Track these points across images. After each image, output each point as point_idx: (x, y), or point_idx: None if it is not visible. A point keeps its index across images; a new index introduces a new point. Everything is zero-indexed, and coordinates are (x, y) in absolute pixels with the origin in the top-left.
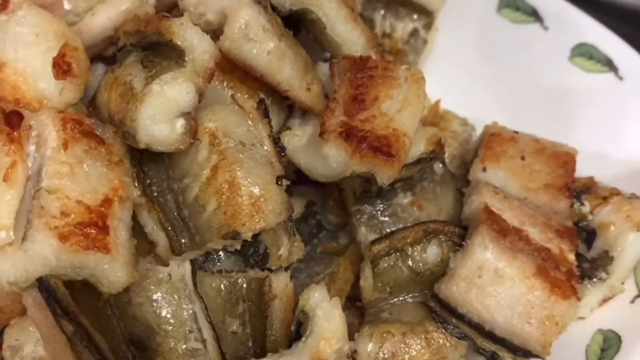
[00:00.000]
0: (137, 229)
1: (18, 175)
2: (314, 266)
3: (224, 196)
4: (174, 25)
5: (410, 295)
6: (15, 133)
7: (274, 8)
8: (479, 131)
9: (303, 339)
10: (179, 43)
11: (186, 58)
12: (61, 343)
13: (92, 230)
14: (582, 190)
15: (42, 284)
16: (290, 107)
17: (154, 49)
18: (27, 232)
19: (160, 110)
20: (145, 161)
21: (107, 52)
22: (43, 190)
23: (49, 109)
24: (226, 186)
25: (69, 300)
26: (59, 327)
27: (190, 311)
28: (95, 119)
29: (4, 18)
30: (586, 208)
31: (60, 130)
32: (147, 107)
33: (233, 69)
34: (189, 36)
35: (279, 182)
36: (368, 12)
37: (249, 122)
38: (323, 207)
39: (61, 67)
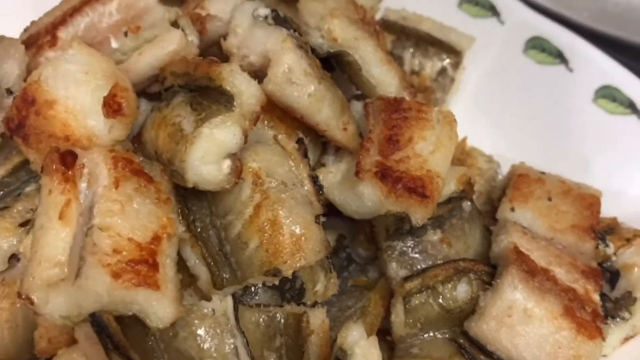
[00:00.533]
0: (179, 262)
1: (72, 213)
2: (345, 300)
3: (266, 234)
4: (224, 72)
5: (440, 331)
6: (69, 172)
7: (312, 50)
8: (504, 168)
9: None
10: (228, 88)
11: (235, 102)
12: None
13: (143, 268)
14: (606, 231)
15: (95, 320)
16: (324, 144)
17: (201, 91)
18: (81, 268)
19: (209, 152)
20: (190, 197)
21: (150, 89)
22: (95, 227)
23: (100, 148)
24: (268, 225)
25: (120, 335)
26: None
27: (232, 345)
28: (142, 156)
29: (52, 55)
30: (610, 250)
31: (111, 168)
32: (196, 149)
33: (273, 108)
34: (238, 82)
35: (318, 221)
36: (398, 50)
37: (290, 162)
38: (353, 241)
39: (112, 106)
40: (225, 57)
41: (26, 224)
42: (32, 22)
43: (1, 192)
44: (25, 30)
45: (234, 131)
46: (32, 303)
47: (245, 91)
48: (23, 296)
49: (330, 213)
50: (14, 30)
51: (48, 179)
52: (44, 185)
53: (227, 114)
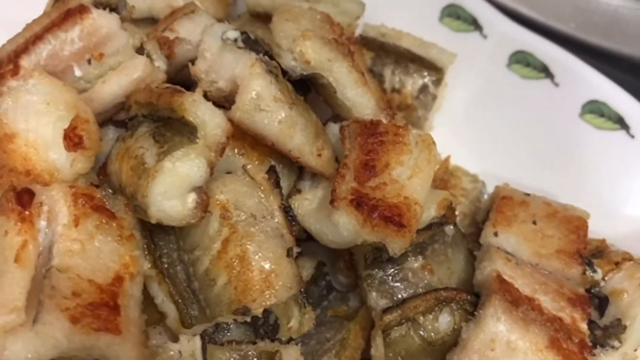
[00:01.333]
0: (147, 299)
1: (29, 255)
2: (324, 331)
3: (234, 271)
4: (186, 102)
5: None
6: (26, 212)
7: (284, 73)
8: (489, 186)
9: None
10: (191, 119)
11: (198, 134)
12: None
13: (103, 311)
14: (594, 254)
15: None
16: (300, 169)
17: (165, 122)
18: (39, 313)
19: (172, 186)
20: (156, 231)
21: (117, 116)
22: (54, 269)
23: (60, 184)
24: (237, 261)
25: None
26: None
27: None
28: (106, 190)
29: (14, 84)
30: (598, 275)
31: (71, 205)
32: (158, 184)
33: (244, 135)
34: (200, 112)
35: (290, 255)
36: (377, 67)
37: (260, 193)
38: (333, 268)
39: (72, 139)
40: (195, 82)
41: None
42: None
43: None
44: None
45: (198, 164)
46: None
47: (210, 122)
48: None
49: (309, 238)
50: None
51: (4, 219)
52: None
53: (191, 146)
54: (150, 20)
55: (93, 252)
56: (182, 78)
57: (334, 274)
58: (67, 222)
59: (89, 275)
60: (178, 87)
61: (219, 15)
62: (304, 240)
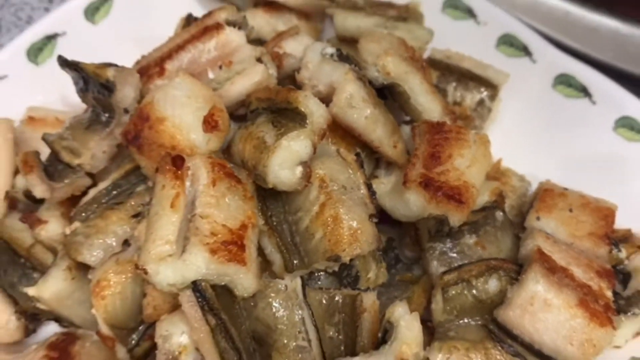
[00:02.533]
0: (258, 250)
1: (180, 203)
2: (393, 291)
3: (329, 227)
4: (300, 97)
5: (473, 318)
6: (179, 172)
7: (369, 82)
8: (534, 187)
9: (388, 343)
10: (302, 110)
11: (307, 121)
12: (206, 333)
13: (233, 247)
14: (620, 239)
15: (195, 286)
16: (377, 160)
17: (281, 112)
18: (186, 246)
19: (286, 159)
20: (268, 197)
21: (237, 112)
22: (197, 215)
23: (201, 155)
24: (331, 220)
25: (215, 300)
26: (205, 320)
27: (300, 316)
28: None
29: (160, 82)
30: (623, 254)
31: (209, 171)
32: (276, 157)
33: (336, 128)
34: (310, 105)
35: (371, 219)
36: (442, 84)
37: (350, 170)
38: (400, 243)
39: (210, 123)
40: (297, 87)
41: (137, 215)
42: (143, 56)
43: (115, 192)
44: (137, 62)
45: (306, 143)
46: (146, 273)
47: (316, 112)
48: (139, 268)
49: (381, 220)
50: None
51: (162, 176)
52: (158, 182)
53: (301, 130)
54: (257, 42)
55: (225, 206)
56: (287, 85)
57: (401, 249)
58: (207, 183)
59: (223, 221)
60: (292, 87)
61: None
62: (377, 220)
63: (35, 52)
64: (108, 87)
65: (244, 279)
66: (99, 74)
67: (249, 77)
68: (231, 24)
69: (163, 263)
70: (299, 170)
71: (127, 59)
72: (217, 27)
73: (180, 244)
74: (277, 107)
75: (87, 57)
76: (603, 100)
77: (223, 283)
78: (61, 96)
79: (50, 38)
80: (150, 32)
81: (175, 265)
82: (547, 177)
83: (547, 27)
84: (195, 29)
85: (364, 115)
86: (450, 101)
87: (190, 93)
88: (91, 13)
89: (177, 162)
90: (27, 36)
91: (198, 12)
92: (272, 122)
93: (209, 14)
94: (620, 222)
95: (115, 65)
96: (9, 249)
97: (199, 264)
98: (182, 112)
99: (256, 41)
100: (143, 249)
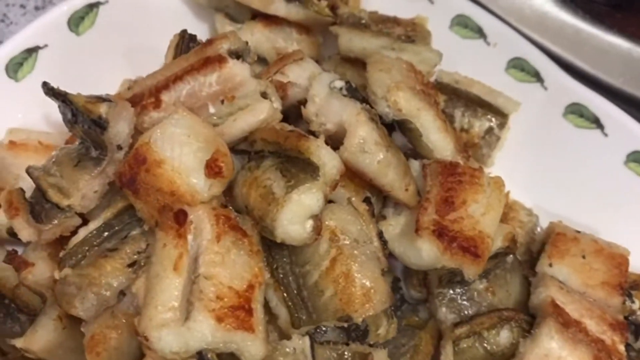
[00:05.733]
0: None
1: (183, 265)
2: (399, 338)
3: (340, 285)
4: (312, 147)
5: None
6: (181, 229)
7: (379, 117)
8: (542, 220)
9: None
10: (315, 161)
11: (319, 172)
12: None
13: (241, 313)
14: (632, 286)
15: (201, 356)
16: (385, 197)
17: (288, 158)
18: (190, 312)
19: (296, 214)
20: (273, 247)
21: (238, 146)
22: (201, 276)
23: (205, 205)
24: (342, 277)
25: None
26: None
27: None
28: (231, 206)
29: (156, 115)
30: (635, 305)
31: (214, 224)
32: (286, 211)
33: (346, 169)
34: (323, 156)
35: (384, 275)
36: (449, 109)
37: (362, 221)
38: (406, 283)
39: (213, 169)
40: (299, 114)
41: (133, 264)
42: (135, 82)
43: (107, 233)
44: (129, 88)
45: (317, 197)
46: (147, 340)
47: (328, 163)
48: (140, 335)
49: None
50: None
51: (163, 234)
52: (159, 239)
53: (313, 182)
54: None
55: (230, 263)
56: (287, 111)
57: (407, 289)
58: (211, 237)
59: (229, 282)
60: (301, 132)
61: (312, 55)
62: None
63: (15, 68)
64: (100, 124)
65: (251, 347)
66: (90, 109)
67: (254, 114)
68: (233, 53)
69: (165, 329)
70: (309, 224)
71: (114, 72)
72: (220, 59)
73: (183, 308)
74: (285, 154)
75: (71, 71)
76: (615, 133)
77: (229, 351)
78: (44, 115)
79: (31, 51)
80: (139, 44)
81: (179, 332)
82: (555, 210)
83: (556, 45)
84: (194, 57)
85: (377, 160)
86: (458, 127)
87: (190, 131)
88: (75, 23)
89: (180, 217)
90: (5, 50)
91: (190, 23)
92: (280, 169)
93: (209, 42)
94: (631, 260)
95: (109, 100)
96: None
97: (204, 332)
98: (181, 153)
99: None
100: (143, 315)
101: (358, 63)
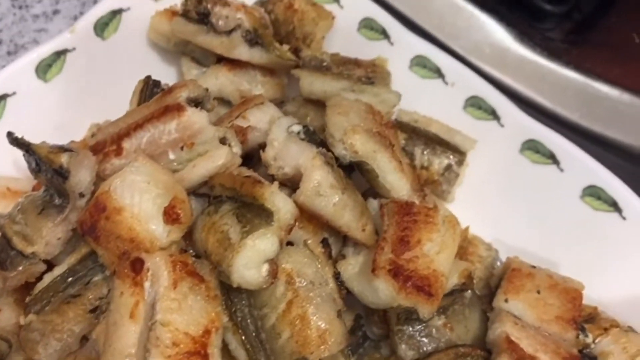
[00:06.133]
0: (222, 346)
1: (140, 312)
2: None
3: (296, 328)
4: (266, 193)
5: None
6: (138, 277)
7: (336, 158)
8: (501, 253)
9: None
10: (269, 207)
11: (274, 218)
12: None
13: (197, 359)
14: (586, 319)
15: None
16: (344, 237)
17: (245, 205)
18: (147, 359)
19: (251, 259)
20: (231, 291)
21: (199, 190)
22: (158, 323)
23: (161, 252)
24: (299, 319)
25: None
26: None
27: None
28: (192, 249)
29: (117, 162)
30: (589, 339)
31: (171, 271)
32: (242, 257)
33: (303, 211)
34: (277, 201)
35: (340, 315)
36: (409, 147)
37: (318, 264)
38: (368, 320)
39: (171, 216)
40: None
41: (95, 310)
42: (99, 129)
43: (71, 279)
44: (93, 135)
45: (272, 242)
46: None
47: (283, 208)
48: None
49: (348, 293)
50: None
51: (120, 282)
52: (116, 288)
53: (267, 228)
54: (220, 101)
55: (187, 309)
56: (249, 155)
57: (368, 326)
58: (168, 284)
59: (185, 328)
60: (258, 177)
61: (276, 96)
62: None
63: None
64: (61, 174)
65: None
66: (51, 159)
67: (212, 160)
68: (192, 101)
69: None
70: (265, 268)
71: (83, 117)
72: (179, 108)
73: (140, 355)
74: (241, 199)
75: (39, 118)
76: (571, 168)
77: None
78: (12, 160)
79: (0, 98)
80: (107, 88)
81: None
82: (513, 244)
83: (517, 81)
84: (155, 106)
85: (332, 203)
86: (418, 165)
87: (150, 178)
88: (42, 71)
89: (136, 265)
90: None
91: (158, 66)
92: (236, 214)
93: (169, 91)
94: (587, 292)
95: (70, 150)
96: None
97: None
98: (141, 200)
99: (219, 99)
100: None
101: (320, 104)
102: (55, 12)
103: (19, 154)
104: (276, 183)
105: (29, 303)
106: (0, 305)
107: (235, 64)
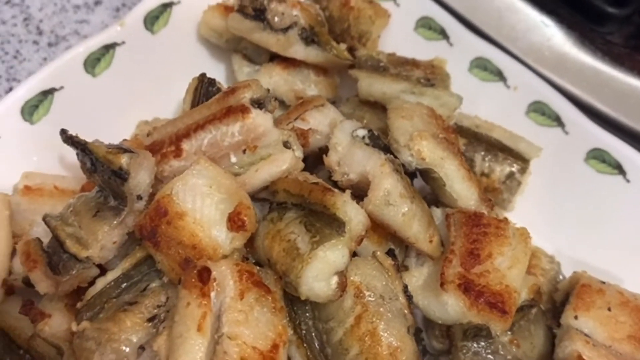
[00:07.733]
0: None
1: (207, 325)
2: None
3: (366, 344)
4: (338, 202)
5: None
6: (205, 287)
7: (402, 165)
8: (564, 266)
9: None
10: (341, 217)
11: (345, 228)
12: None
13: None
14: None
15: None
16: (406, 247)
17: (313, 212)
18: None
19: (322, 271)
20: (295, 302)
21: (259, 195)
22: (225, 336)
23: (227, 261)
24: (368, 335)
25: None
26: None
27: None
28: (252, 257)
29: (176, 164)
30: None
31: (237, 281)
32: (311, 268)
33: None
34: (349, 211)
35: (410, 332)
36: (469, 153)
37: (387, 277)
38: (428, 334)
39: (236, 222)
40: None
41: (153, 319)
42: (155, 129)
43: (125, 284)
44: (148, 134)
45: (343, 253)
46: None
47: (355, 219)
48: None
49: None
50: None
51: (186, 292)
52: (182, 298)
53: (339, 239)
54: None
55: (254, 321)
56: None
57: (429, 340)
58: (234, 295)
59: (252, 342)
60: (327, 185)
61: (329, 96)
62: None
63: (30, 110)
64: (121, 175)
65: None
66: (110, 160)
67: (276, 165)
68: (255, 102)
69: None
70: (334, 281)
71: (130, 114)
72: (243, 109)
73: None
74: (309, 208)
75: (86, 113)
76: (638, 179)
77: None
78: (59, 157)
79: (47, 93)
80: (155, 85)
81: None
82: (577, 257)
83: (576, 86)
84: (217, 106)
85: (402, 213)
86: (478, 172)
87: (212, 182)
88: (91, 65)
89: (204, 275)
90: (21, 92)
91: (207, 63)
92: (304, 223)
93: (232, 91)
94: None
95: (130, 151)
96: (7, 338)
97: None
98: (203, 205)
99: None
100: None
101: (377, 105)
102: (97, 2)
103: (65, 150)
104: (348, 192)
105: (81, 309)
106: (51, 310)
107: (289, 62)
